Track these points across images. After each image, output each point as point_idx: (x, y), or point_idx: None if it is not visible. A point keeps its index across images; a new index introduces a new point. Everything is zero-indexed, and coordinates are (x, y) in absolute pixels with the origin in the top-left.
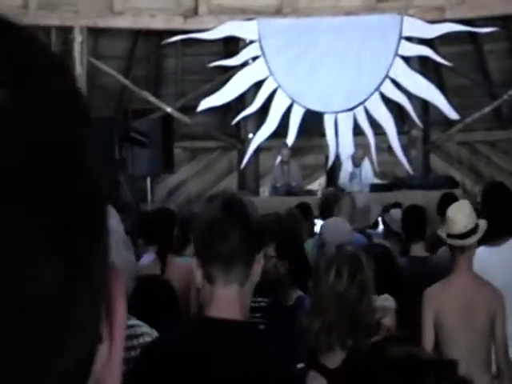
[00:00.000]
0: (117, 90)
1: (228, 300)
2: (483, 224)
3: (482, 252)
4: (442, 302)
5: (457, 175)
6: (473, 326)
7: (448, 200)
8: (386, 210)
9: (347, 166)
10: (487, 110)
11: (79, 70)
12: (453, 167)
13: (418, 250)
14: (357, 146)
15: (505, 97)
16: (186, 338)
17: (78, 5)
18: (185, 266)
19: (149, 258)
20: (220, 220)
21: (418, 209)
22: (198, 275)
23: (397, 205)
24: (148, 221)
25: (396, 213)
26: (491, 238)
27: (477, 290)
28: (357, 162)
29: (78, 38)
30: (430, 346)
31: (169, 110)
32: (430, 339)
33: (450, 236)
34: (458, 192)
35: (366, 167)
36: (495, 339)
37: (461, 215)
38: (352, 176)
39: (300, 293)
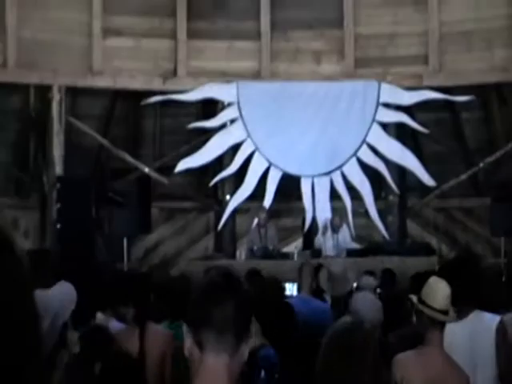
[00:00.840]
0: (95, 150)
1: (217, 369)
2: (453, 313)
3: (449, 326)
4: (411, 371)
5: (433, 241)
6: None
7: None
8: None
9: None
10: (463, 177)
11: (57, 128)
12: (429, 233)
13: None
14: (334, 211)
15: (481, 165)
16: None
17: (57, 63)
18: (163, 333)
19: (118, 325)
20: (217, 287)
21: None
22: (188, 342)
23: (369, 272)
24: (124, 284)
25: (367, 280)
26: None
27: (447, 369)
28: (335, 228)
29: (57, 97)
30: None
31: (146, 170)
32: None
33: (431, 308)
34: (434, 259)
35: (345, 233)
36: None
37: (444, 291)
38: (324, 230)
39: None
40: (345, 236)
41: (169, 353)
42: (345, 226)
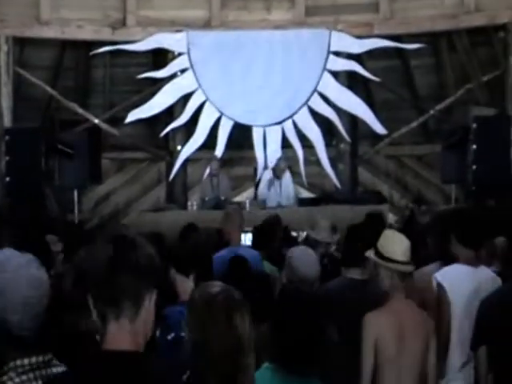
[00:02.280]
0: (44, 101)
1: (119, 334)
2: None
3: (458, 268)
4: (381, 328)
5: (384, 189)
6: (408, 354)
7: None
8: None
9: (266, 176)
10: (414, 124)
11: (5, 79)
12: (380, 181)
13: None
14: (282, 158)
15: (431, 112)
16: (85, 371)
17: (3, 14)
18: None
19: None
20: (107, 264)
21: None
22: (94, 315)
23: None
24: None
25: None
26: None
27: (414, 318)
28: (278, 174)
29: (4, 48)
30: (369, 370)
31: (96, 121)
32: (370, 364)
33: (390, 260)
34: (385, 207)
35: (287, 180)
36: (427, 364)
37: (403, 242)
38: (270, 183)
39: None
40: (287, 183)
41: None
42: (288, 173)
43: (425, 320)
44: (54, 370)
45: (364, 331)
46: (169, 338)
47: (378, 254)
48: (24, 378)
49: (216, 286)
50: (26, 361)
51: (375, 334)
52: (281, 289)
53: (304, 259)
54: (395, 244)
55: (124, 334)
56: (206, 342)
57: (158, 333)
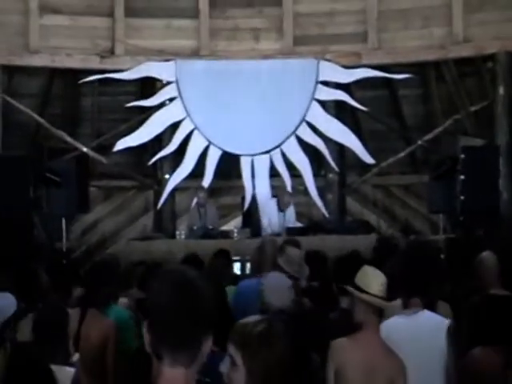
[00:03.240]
0: (32, 129)
1: (174, 380)
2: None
3: (394, 321)
4: (346, 357)
5: (372, 218)
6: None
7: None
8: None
9: (272, 207)
10: (402, 154)
11: None
12: (368, 210)
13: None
14: (282, 190)
15: (419, 142)
16: None
17: None
18: (104, 320)
19: None
20: (169, 306)
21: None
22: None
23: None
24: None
25: (292, 251)
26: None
27: (382, 354)
28: (282, 207)
29: None
30: None
31: (85, 149)
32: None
33: (369, 294)
34: (373, 236)
35: (291, 213)
36: None
37: (380, 278)
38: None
39: None
40: (291, 215)
41: (112, 340)
42: (292, 207)
43: (394, 359)
44: None
45: (329, 357)
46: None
47: (355, 286)
48: None
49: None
50: None
51: (339, 361)
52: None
53: (276, 288)
54: (373, 278)
55: (180, 380)
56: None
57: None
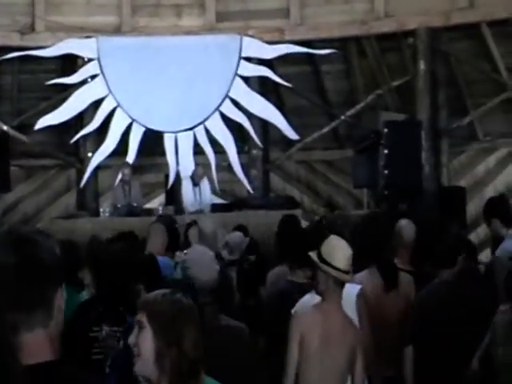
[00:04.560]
0: None
1: (36, 344)
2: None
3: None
4: (308, 326)
5: (296, 194)
6: (332, 356)
7: (289, 222)
8: None
9: (187, 185)
10: (325, 130)
11: None
12: (292, 186)
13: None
14: (197, 164)
15: (342, 117)
16: None
17: None
18: None
19: None
20: (12, 272)
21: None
22: None
23: (240, 228)
24: None
25: (237, 236)
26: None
27: (341, 325)
28: (196, 181)
29: None
30: (293, 367)
31: (5, 127)
32: (294, 360)
33: (336, 268)
34: (298, 212)
35: (205, 186)
36: (354, 376)
37: (346, 251)
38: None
39: None
40: (206, 190)
41: None
42: (206, 180)
43: (353, 330)
44: None
45: (290, 328)
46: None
47: (320, 257)
48: None
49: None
50: None
51: (301, 330)
52: None
53: (200, 261)
54: (338, 251)
55: (41, 343)
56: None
57: (121, 343)
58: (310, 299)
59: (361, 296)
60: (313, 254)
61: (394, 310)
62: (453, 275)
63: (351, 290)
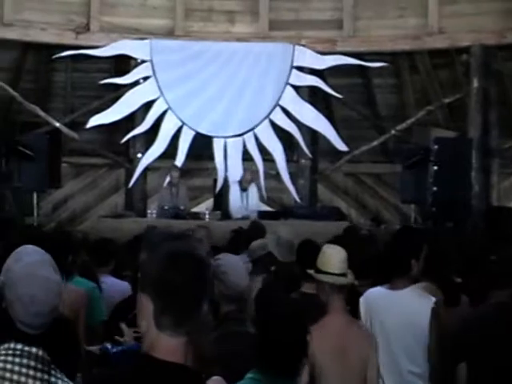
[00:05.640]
0: (4, 102)
1: (174, 349)
2: (351, 275)
3: (379, 291)
4: (317, 343)
5: (342, 206)
6: (345, 367)
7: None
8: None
9: (235, 191)
10: (374, 143)
11: None
12: (339, 198)
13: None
14: (245, 169)
15: (392, 132)
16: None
17: None
18: (75, 291)
19: None
20: (170, 277)
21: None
22: (149, 315)
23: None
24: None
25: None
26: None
27: (351, 334)
28: (244, 186)
29: None
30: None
31: (57, 124)
32: (305, 379)
33: (329, 274)
34: (344, 224)
35: (253, 192)
36: (368, 380)
37: (339, 255)
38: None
39: None
40: (253, 195)
41: (82, 310)
42: (254, 185)
43: (363, 335)
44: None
45: None
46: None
47: (316, 269)
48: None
49: None
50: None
51: (310, 349)
52: (258, 294)
53: (234, 268)
54: (329, 257)
55: (180, 347)
56: None
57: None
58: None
59: (435, 310)
60: (311, 270)
61: (451, 328)
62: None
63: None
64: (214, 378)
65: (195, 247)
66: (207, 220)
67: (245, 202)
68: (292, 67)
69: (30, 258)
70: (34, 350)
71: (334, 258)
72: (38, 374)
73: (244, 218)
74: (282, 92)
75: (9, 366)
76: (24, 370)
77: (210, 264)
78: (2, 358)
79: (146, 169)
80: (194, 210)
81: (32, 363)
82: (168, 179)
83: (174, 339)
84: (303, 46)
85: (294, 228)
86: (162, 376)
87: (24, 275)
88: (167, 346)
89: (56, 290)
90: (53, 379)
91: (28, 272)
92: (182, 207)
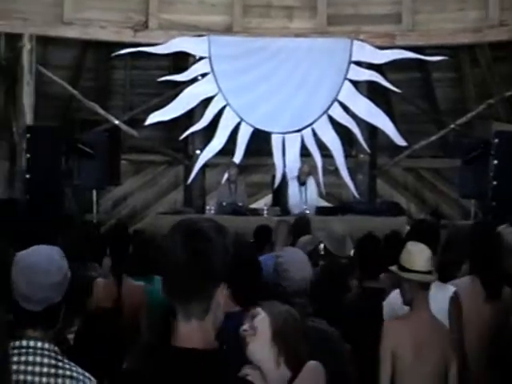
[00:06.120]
0: (64, 100)
1: (189, 335)
2: (435, 273)
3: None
4: (400, 337)
5: (402, 201)
6: (427, 364)
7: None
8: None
9: (293, 187)
10: (434, 137)
11: (27, 77)
12: (398, 193)
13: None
14: (305, 163)
15: (452, 126)
16: (155, 367)
17: (27, 13)
18: (136, 286)
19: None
20: (177, 258)
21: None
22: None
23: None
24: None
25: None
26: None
27: (432, 331)
28: (302, 179)
29: (27, 46)
30: (387, 377)
31: (116, 122)
32: (388, 371)
33: (411, 271)
34: (403, 219)
35: (311, 186)
36: (449, 379)
37: (425, 253)
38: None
39: None
40: (312, 190)
41: (143, 304)
42: (312, 179)
43: (441, 332)
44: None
45: (382, 338)
46: None
47: (400, 266)
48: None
49: None
50: (24, 343)
51: (393, 342)
52: None
53: (296, 262)
54: (415, 255)
55: (193, 333)
56: None
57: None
58: (397, 296)
59: (454, 299)
60: (393, 267)
61: (492, 322)
62: None
63: (443, 291)
64: (312, 362)
65: (202, 225)
66: (265, 216)
67: (303, 198)
68: (350, 62)
69: (36, 247)
70: (39, 344)
71: (419, 255)
72: (45, 369)
73: (302, 213)
74: (341, 87)
75: (22, 368)
76: (30, 368)
77: (220, 243)
78: (15, 358)
79: (205, 165)
80: (253, 206)
81: (38, 359)
82: (226, 176)
83: (188, 325)
84: (362, 40)
85: (349, 223)
86: (179, 363)
87: (28, 252)
88: (182, 332)
89: (57, 265)
90: (60, 371)
91: (33, 249)
92: (240, 203)
